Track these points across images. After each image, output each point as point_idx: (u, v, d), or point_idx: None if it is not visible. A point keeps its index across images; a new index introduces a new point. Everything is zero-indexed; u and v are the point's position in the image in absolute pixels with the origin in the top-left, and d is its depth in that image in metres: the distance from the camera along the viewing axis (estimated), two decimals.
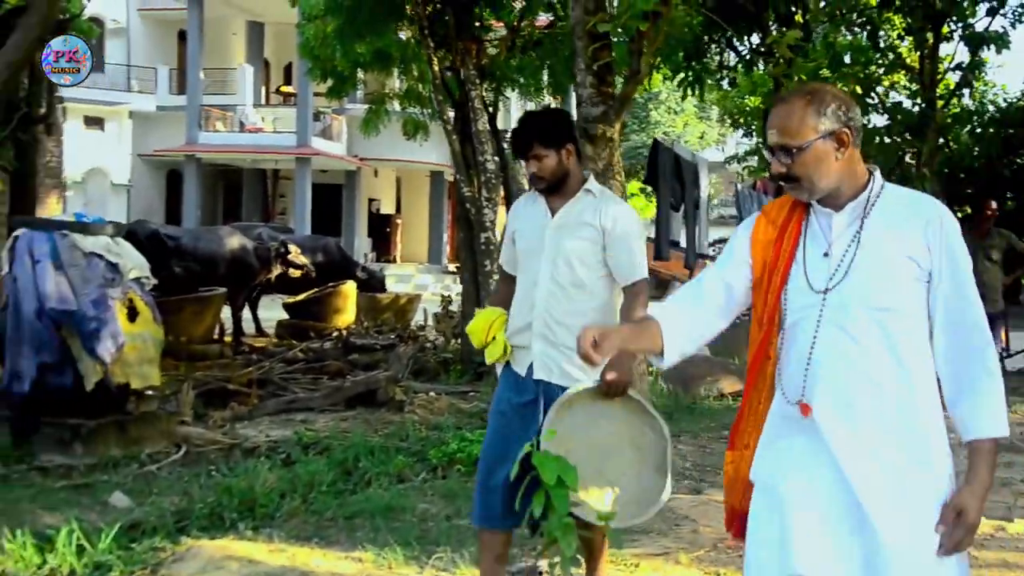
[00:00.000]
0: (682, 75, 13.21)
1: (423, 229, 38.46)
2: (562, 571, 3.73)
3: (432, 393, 10.40)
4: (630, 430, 3.95)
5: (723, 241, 21.73)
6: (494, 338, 4.23)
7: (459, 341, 12.44)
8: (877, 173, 2.70)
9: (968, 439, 2.56)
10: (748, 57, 14.54)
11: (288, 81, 38.93)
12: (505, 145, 15.19)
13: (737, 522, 2.87)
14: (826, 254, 2.66)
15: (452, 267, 32.62)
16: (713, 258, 23.12)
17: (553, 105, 22.66)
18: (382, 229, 38.97)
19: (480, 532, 4.21)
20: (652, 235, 13.72)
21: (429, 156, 32.29)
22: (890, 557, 2.51)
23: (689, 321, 2.82)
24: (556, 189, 4.10)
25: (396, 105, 16.04)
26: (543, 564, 4.76)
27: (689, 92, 13.38)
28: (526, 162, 4.10)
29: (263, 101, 38.13)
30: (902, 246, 2.59)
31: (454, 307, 14.80)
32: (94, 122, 36.85)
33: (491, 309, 4.34)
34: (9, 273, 7.54)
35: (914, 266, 2.58)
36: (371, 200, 39.25)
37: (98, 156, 36.30)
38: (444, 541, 5.40)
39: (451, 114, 12.20)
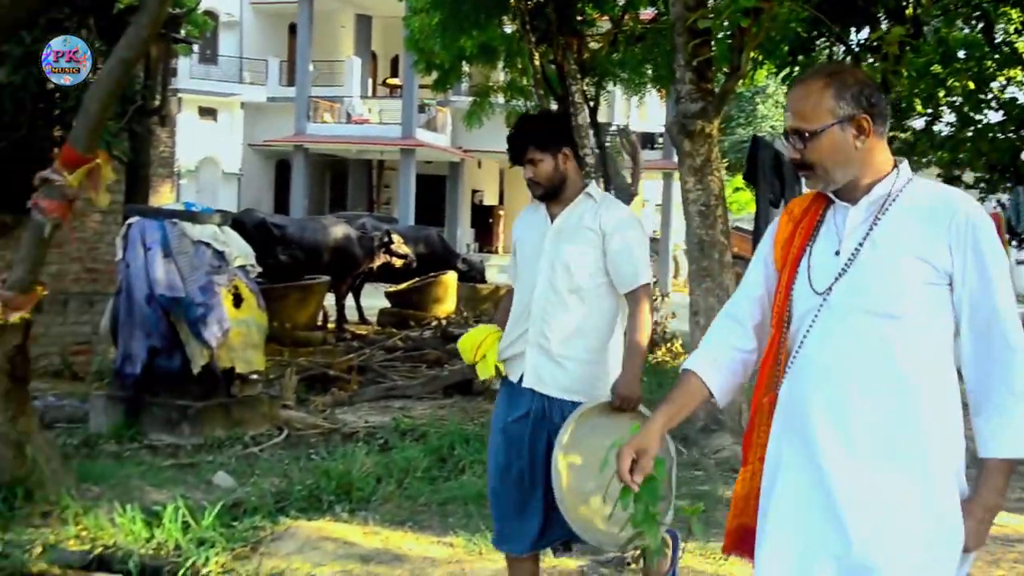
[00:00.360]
0: (787, 70, 13.06)
1: None
2: (648, 562, 3.76)
3: None
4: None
5: None
6: (484, 356, 4.08)
7: None
8: (904, 166, 2.47)
9: (981, 456, 2.36)
10: (856, 52, 14.30)
11: (394, 73, 39.41)
12: (605, 139, 15.22)
13: (750, 539, 2.60)
14: (837, 252, 2.46)
15: None
16: None
17: (657, 99, 22.58)
18: (485, 220, 39.20)
19: (506, 556, 4.07)
20: (751, 231, 13.58)
21: None
22: (859, 569, 2.31)
23: (728, 353, 2.64)
24: (555, 195, 3.95)
25: (500, 98, 16.17)
26: (629, 555, 4.79)
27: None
28: (523, 167, 3.96)
29: (370, 93, 38.65)
30: (916, 246, 2.36)
31: None
32: (207, 113, 37.84)
33: (483, 327, 4.21)
34: (122, 260, 7.85)
35: (927, 268, 2.34)
36: (474, 191, 39.52)
37: (211, 146, 37.30)
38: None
39: (552, 107, 12.27)
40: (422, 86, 29.16)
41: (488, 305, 16.82)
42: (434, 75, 15.35)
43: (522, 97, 15.35)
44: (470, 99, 17.62)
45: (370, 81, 39.14)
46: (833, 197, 2.51)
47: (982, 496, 2.33)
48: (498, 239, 39.14)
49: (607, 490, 3.56)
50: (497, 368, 4.05)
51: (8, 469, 5.34)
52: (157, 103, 10.60)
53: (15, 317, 5.12)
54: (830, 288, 2.42)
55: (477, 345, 4.11)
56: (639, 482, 2.52)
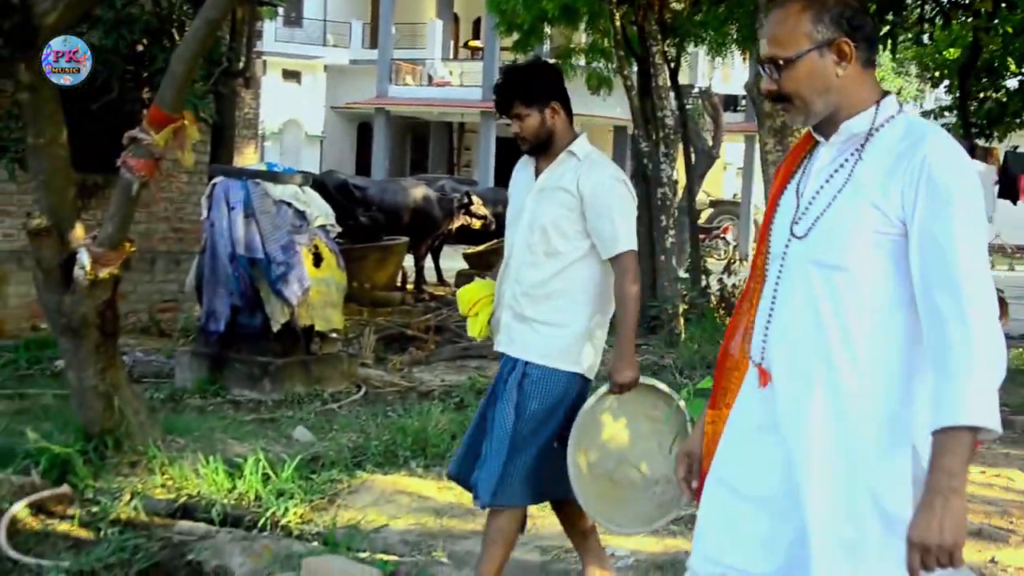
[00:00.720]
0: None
1: None
2: None
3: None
4: (642, 407, 3.65)
5: None
6: (477, 314, 3.93)
7: None
8: (889, 99, 2.21)
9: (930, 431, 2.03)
10: (947, 9, 13.93)
11: (476, 36, 39.35)
12: (686, 101, 15.08)
13: None
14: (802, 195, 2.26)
15: None
16: None
17: (740, 61, 22.24)
18: None
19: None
20: None
21: (613, 111, 32.05)
22: (814, 546, 2.13)
23: None
24: (543, 150, 3.72)
25: (581, 59, 16.08)
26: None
27: (880, 47, 12.93)
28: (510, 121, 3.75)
29: (451, 55, 38.68)
30: (872, 191, 2.12)
31: None
32: (291, 75, 38.22)
33: (487, 282, 4.01)
34: (207, 219, 8.02)
35: (878, 216, 2.10)
36: None
37: (294, 108, 37.69)
38: None
39: (632, 69, 12.20)
40: (503, 48, 29.10)
41: None
42: (515, 37, 15.31)
43: (603, 59, 15.24)
44: (552, 61, 17.56)
45: (452, 43, 39.16)
46: (814, 134, 2.30)
47: (930, 479, 1.98)
48: None
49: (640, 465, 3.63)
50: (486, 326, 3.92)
51: (98, 420, 5.53)
52: (242, 65, 10.76)
53: (104, 273, 5.27)
54: (791, 235, 2.24)
55: (474, 301, 3.95)
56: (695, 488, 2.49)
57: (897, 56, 19.61)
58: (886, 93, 2.23)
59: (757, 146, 11.66)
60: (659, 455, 3.62)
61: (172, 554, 4.51)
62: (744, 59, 16.30)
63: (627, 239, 3.62)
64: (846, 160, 2.20)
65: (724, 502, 2.34)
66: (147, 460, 5.46)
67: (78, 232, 5.41)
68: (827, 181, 2.21)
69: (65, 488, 5.07)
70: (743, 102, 32.95)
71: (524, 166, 3.86)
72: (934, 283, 2.04)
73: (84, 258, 5.23)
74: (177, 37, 9.51)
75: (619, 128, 36.73)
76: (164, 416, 6.68)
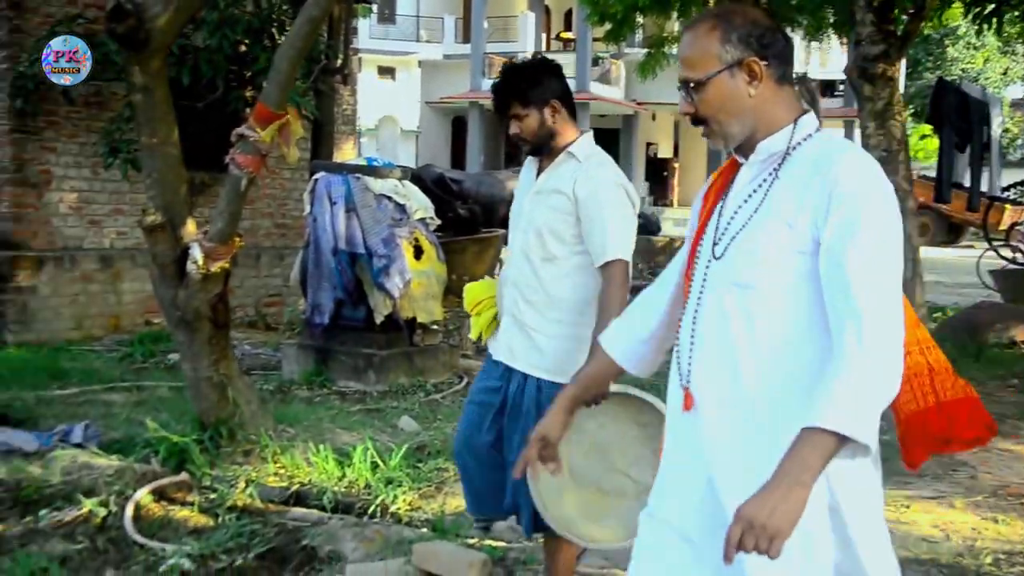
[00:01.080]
0: (978, 9, 12.46)
1: (701, 172, 38.10)
2: None
3: None
4: (627, 412, 3.25)
5: (1021, 184, 20.42)
6: (479, 314, 3.83)
7: None
8: (806, 119, 2.18)
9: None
10: None
11: (568, 27, 39.31)
12: None
13: None
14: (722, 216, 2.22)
15: None
16: (1008, 201, 21.77)
17: (837, 46, 21.86)
18: (659, 173, 38.91)
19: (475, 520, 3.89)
20: (933, 176, 13.13)
21: None
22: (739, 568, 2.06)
23: (644, 323, 2.47)
24: (544, 151, 3.56)
25: (674, 48, 15.97)
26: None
27: (985, 27, 12.59)
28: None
29: (543, 47, 38.70)
30: (785, 209, 2.08)
31: None
32: (386, 72, 38.71)
33: (492, 282, 3.88)
34: (310, 214, 8.19)
35: (791, 235, 2.06)
36: (648, 144, 39.22)
37: (390, 104, 38.16)
38: None
39: None
40: (595, 39, 29.05)
41: (663, 258, 16.78)
42: (607, 27, 15.26)
43: None
44: (644, 51, 17.47)
45: (544, 35, 39.18)
46: (736, 155, 2.24)
47: (782, 464, 1.91)
48: (673, 192, 38.81)
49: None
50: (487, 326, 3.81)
51: (213, 410, 5.70)
52: (340, 62, 10.95)
53: (216, 267, 5.43)
54: (712, 256, 2.20)
55: (477, 300, 3.85)
56: (549, 469, 2.50)
57: (1004, 35, 19.03)
58: (804, 112, 2.19)
59: (857, 131, 11.46)
60: (653, 461, 3.23)
61: (287, 539, 4.63)
62: (842, 43, 16.00)
63: (618, 247, 3.41)
64: (764, 180, 2.15)
65: (654, 532, 2.30)
66: (260, 449, 5.61)
67: (190, 228, 5.58)
68: (745, 201, 2.16)
69: (184, 476, 5.24)
70: (841, 87, 32.38)
71: (528, 167, 3.71)
72: (838, 306, 1.99)
73: (196, 253, 5.40)
74: (277, 36, 9.73)
75: None
76: (274, 407, 6.85)
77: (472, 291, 3.92)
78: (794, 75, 2.26)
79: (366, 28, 35.16)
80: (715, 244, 2.19)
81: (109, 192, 10.37)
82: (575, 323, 3.47)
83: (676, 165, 39.57)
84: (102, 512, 4.88)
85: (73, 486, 5.14)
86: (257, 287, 11.64)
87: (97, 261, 10.25)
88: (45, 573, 4.41)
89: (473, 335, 3.92)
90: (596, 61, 35.17)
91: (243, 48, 9.39)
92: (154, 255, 5.58)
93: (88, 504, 4.90)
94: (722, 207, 2.23)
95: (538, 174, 3.60)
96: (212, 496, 5.08)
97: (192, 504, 5.04)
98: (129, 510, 4.84)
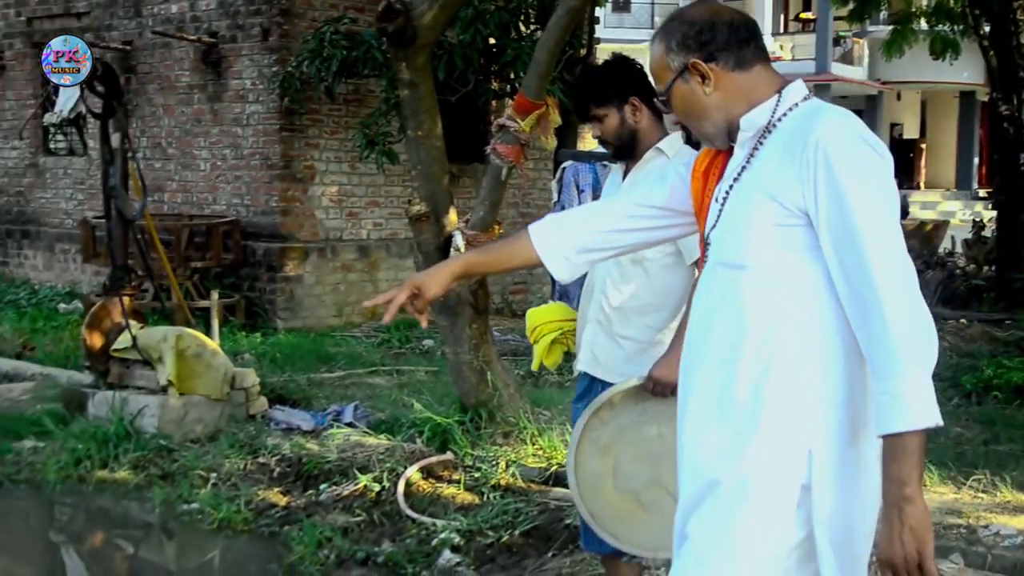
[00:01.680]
0: None
1: (950, 153, 36.36)
2: None
3: (963, 320, 10.06)
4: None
5: None
6: (537, 342, 3.71)
7: (992, 268, 11.88)
8: (789, 90, 2.11)
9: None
10: None
11: (807, 7, 38.27)
12: None
13: None
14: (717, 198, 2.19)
15: (983, 192, 30.56)
16: None
17: None
18: (905, 154, 37.26)
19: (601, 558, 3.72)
20: None
21: (959, 76, 30.28)
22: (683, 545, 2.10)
23: (578, 225, 2.40)
24: (629, 152, 3.42)
25: (923, 23, 15.29)
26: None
27: None
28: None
29: (782, 30, 37.84)
30: (769, 183, 2.01)
31: (987, 232, 14.01)
32: None
33: (557, 306, 3.85)
34: (558, 202, 8.31)
35: (775, 207, 1.99)
36: (893, 125, 37.66)
37: None
38: (982, 464, 5.30)
39: (987, 29, 11.48)
40: (837, 18, 28.16)
41: (914, 241, 16.12)
42: (850, 5, 14.77)
43: (948, 22, 14.41)
44: (889, 28, 16.79)
45: (781, 17, 38.29)
46: (730, 142, 2.19)
47: (884, 490, 1.89)
48: (920, 173, 37.21)
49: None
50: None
51: (473, 393, 5.91)
52: (584, 52, 11.07)
53: None
54: (708, 239, 2.16)
55: (535, 325, 3.76)
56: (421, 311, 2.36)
57: None
58: (789, 82, 2.12)
59: None
60: None
61: (550, 518, 4.77)
62: None
63: None
64: (751, 155, 2.10)
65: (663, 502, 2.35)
66: (518, 431, 5.77)
67: (452, 217, 5.80)
68: (735, 180, 2.11)
69: (449, 455, 5.47)
70: None
71: (615, 174, 3.63)
72: (850, 278, 1.92)
73: (459, 240, 5.60)
74: (524, 29, 9.93)
75: (965, 93, 34.71)
76: (527, 391, 7.02)
77: (534, 317, 3.84)
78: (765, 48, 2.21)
79: (601, 17, 35.36)
80: (713, 228, 2.15)
81: (366, 185, 10.87)
82: (664, 330, 3.35)
83: (923, 145, 37.87)
84: (376, 487, 5.18)
85: (348, 462, 5.47)
86: (502, 275, 11.93)
87: (355, 251, 10.77)
88: (329, 542, 4.72)
89: (535, 365, 3.83)
90: (838, 41, 34.07)
91: (492, 41, 9.63)
92: (418, 243, 5.83)
93: (363, 480, 5.20)
94: (719, 188, 2.20)
95: (625, 177, 3.48)
96: (476, 475, 5.29)
97: (458, 482, 5.27)
98: (401, 486, 5.11)
